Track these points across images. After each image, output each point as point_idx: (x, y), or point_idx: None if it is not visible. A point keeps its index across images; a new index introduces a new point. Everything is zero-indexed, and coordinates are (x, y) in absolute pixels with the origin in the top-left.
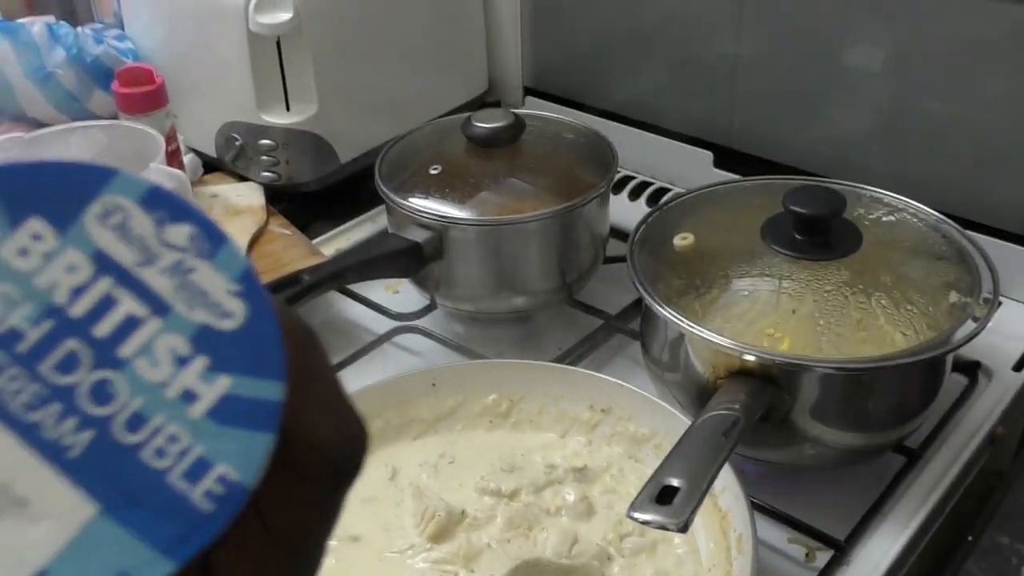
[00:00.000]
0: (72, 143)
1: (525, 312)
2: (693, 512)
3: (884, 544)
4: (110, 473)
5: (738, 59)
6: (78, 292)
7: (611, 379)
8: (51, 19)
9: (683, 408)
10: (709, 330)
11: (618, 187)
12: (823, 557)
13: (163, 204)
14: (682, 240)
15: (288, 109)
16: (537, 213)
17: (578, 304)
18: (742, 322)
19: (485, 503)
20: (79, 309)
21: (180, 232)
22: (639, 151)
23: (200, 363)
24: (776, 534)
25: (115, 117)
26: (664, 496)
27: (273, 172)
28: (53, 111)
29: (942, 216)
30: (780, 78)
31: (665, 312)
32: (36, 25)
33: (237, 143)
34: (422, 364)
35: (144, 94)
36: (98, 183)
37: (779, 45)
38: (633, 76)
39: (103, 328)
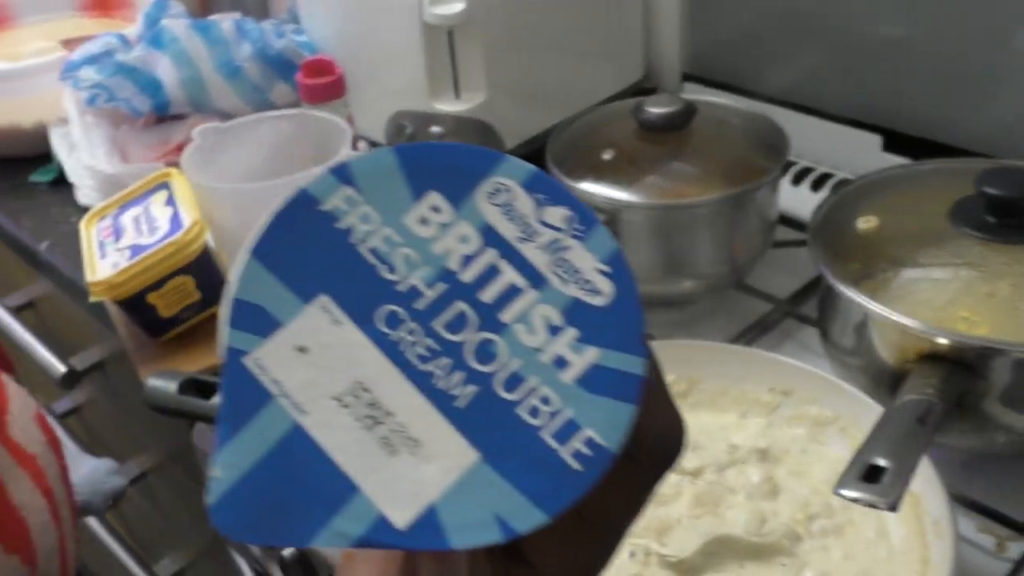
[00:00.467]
0: (263, 131)
1: (693, 296)
2: (902, 491)
3: None
4: (490, 425)
5: (906, 39)
6: (468, 260)
7: (793, 361)
8: (238, 16)
9: (866, 392)
10: (899, 312)
11: (783, 173)
12: (1015, 548)
13: (543, 187)
14: (866, 223)
15: (458, 97)
16: (710, 197)
17: (746, 288)
18: (931, 306)
19: (670, 480)
20: (468, 275)
21: (557, 213)
22: (802, 136)
23: (571, 334)
24: (964, 523)
25: (296, 107)
26: (870, 476)
27: None
28: (240, 103)
29: None
30: (950, 58)
31: (850, 294)
32: (226, 22)
33: (407, 131)
34: None
35: (325, 84)
36: (488, 165)
37: (947, 24)
38: (794, 58)
39: (488, 294)
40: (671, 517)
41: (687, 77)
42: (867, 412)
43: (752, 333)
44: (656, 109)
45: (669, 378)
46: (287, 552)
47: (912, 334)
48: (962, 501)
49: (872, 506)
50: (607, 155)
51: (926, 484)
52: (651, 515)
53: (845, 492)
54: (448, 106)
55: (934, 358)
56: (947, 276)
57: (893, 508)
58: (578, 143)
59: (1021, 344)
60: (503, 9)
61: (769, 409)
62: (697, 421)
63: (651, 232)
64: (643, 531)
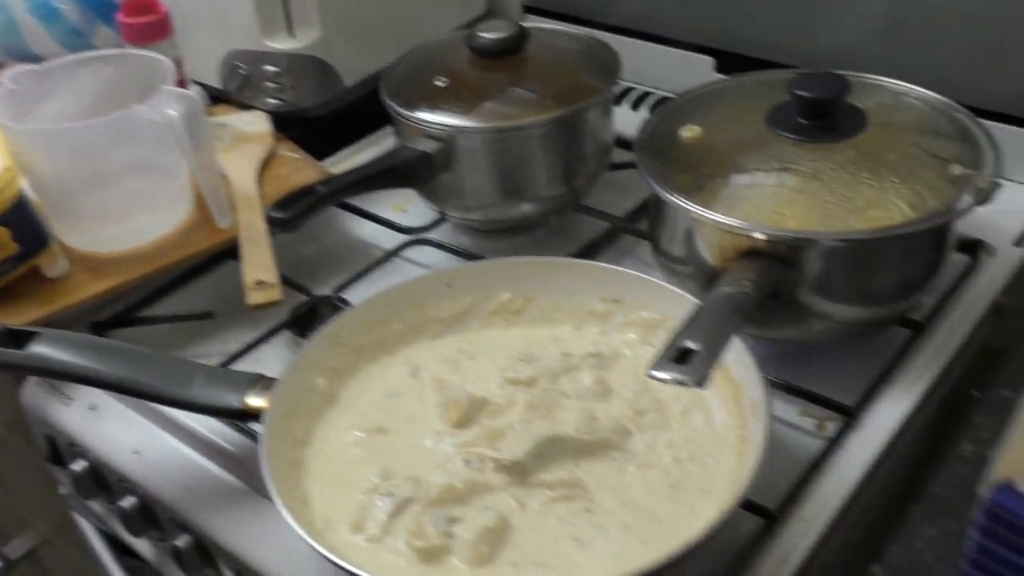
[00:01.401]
0: (83, 76)
1: (533, 219)
2: (710, 371)
3: (892, 409)
4: None
5: None
6: None
7: (622, 269)
8: None
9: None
10: (717, 213)
11: (621, 98)
12: (833, 428)
13: None
14: (689, 132)
15: (291, 34)
16: (542, 118)
17: (584, 209)
18: (750, 206)
19: (505, 391)
20: None
21: None
22: (640, 62)
23: None
24: (786, 408)
25: None
26: (681, 358)
27: (278, 99)
28: (58, 47)
29: (945, 99)
30: None
31: (674, 199)
32: None
33: (242, 72)
34: None
35: (149, 24)
36: None
37: None
38: None
39: None
40: (504, 424)
41: (528, 10)
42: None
43: (590, 252)
44: (488, 35)
45: (503, 296)
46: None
47: (730, 232)
48: (785, 388)
49: (682, 384)
50: (440, 82)
51: (746, 372)
52: (484, 425)
53: (656, 373)
54: (281, 44)
55: (751, 254)
56: (764, 178)
57: (700, 385)
58: (413, 73)
59: (828, 233)
60: None
61: (602, 318)
62: (534, 335)
63: (487, 156)
64: (477, 439)
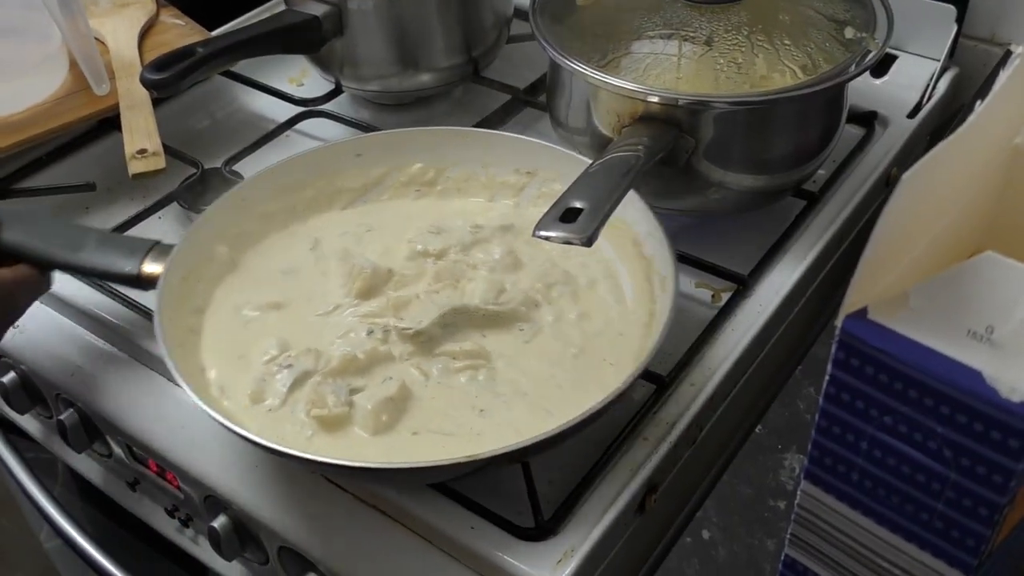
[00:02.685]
0: None
1: (432, 90)
2: (597, 228)
3: (784, 276)
4: None
5: None
6: None
7: (537, 140)
8: None
9: None
10: (612, 77)
11: None
12: (726, 296)
13: None
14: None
15: None
16: None
17: (485, 81)
18: (645, 71)
19: (414, 263)
20: None
21: None
22: None
23: None
24: (685, 280)
25: None
26: (568, 217)
27: None
28: None
29: None
30: None
31: (569, 64)
32: None
33: None
34: None
35: None
36: None
37: None
38: None
39: None
40: (410, 294)
41: None
42: None
43: (491, 123)
44: None
45: (415, 167)
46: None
47: (624, 97)
48: (684, 259)
49: (568, 242)
50: None
51: (657, 247)
52: (389, 295)
53: (542, 232)
54: None
55: (645, 119)
56: (659, 44)
57: (588, 243)
58: None
59: (720, 96)
60: None
61: (516, 190)
62: (446, 207)
63: (380, 21)
64: (381, 310)
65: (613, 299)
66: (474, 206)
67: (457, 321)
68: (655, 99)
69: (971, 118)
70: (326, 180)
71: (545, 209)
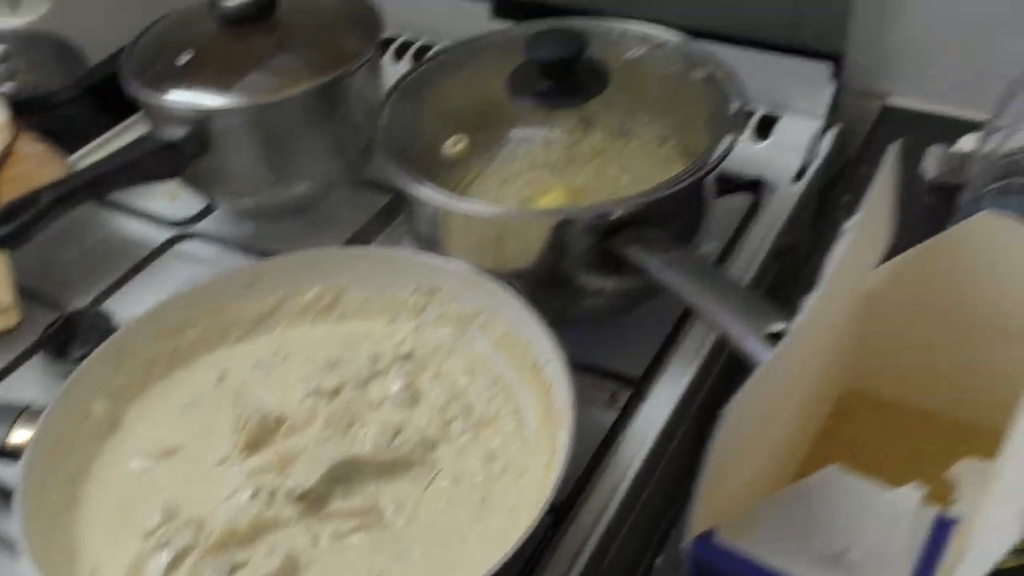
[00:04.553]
0: None
1: (310, 198)
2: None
3: (678, 374)
4: None
5: None
6: None
7: (436, 258)
8: None
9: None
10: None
11: (400, 52)
12: (624, 397)
13: None
14: (455, 145)
15: (15, 10)
16: (300, 89)
17: (364, 182)
18: (503, 185)
19: (307, 404)
20: None
21: None
22: (416, 14)
23: None
24: (581, 382)
25: None
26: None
27: (14, 82)
28: None
29: (689, 39)
30: None
31: (416, 191)
32: None
33: None
34: (209, 271)
35: None
36: None
37: None
38: None
39: None
40: (299, 446)
41: None
42: (505, 304)
43: (374, 227)
44: (232, 2)
45: (311, 292)
46: None
47: (477, 220)
48: (579, 367)
49: None
50: (185, 59)
51: (555, 373)
52: (278, 445)
53: None
54: (6, 19)
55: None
56: (516, 151)
57: None
58: (157, 48)
59: (584, 209)
60: None
61: (417, 311)
62: (344, 332)
63: (248, 137)
64: (268, 464)
65: (516, 430)
66: (375, 330)
67: (348, 473)
68: (515, 219)
69: (787, 339)
70: (215, 315)
71: (448, 330)
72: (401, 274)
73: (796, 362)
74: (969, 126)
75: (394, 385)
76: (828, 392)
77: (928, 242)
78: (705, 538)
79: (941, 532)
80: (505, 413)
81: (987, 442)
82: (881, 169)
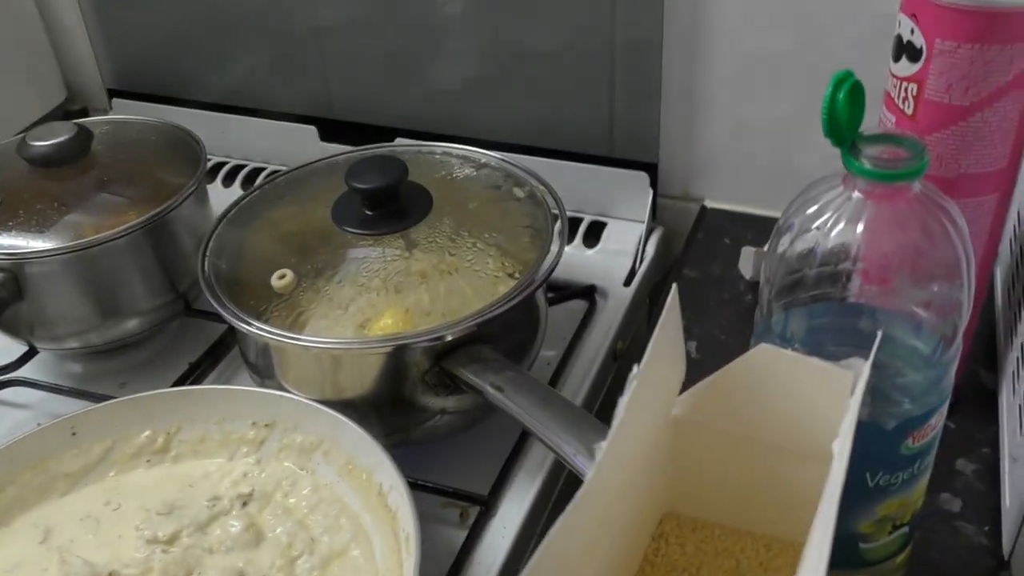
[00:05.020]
0: None
1: (142, 335)
2: None
3: (523, 490)
4: None
5: (322, 28)
6: None
7: (271, 391)
8: None
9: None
10: (292, 333)
11: (229, 178)
12: (473, 513)
13: None
14: (280, 279)
15: None
16: (122, 227)
17: (197, 313)
18: (335, 312)
19: (142, 555)
20: None
21: None
22: (246, 138)
23: None
24: (431, 500)
25: None
26: None
27: None
28: None
29: (509, 159)
30: (367, 41)
31: (242, 327)
32: None
33: None
34: (36, 418)
35: None
36: None
37: (360, 7)
38: (224, 62)
39: None
40: None
41: (115, 93)
42: (345, 431)
43: (212, 357)
44: (42, 142)
45: (142, 436)
46: None
47: (316, 352)
48: (426, 487)
49: None
50: None
51: (400, 498)
52: None
53: None
54: None
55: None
56: (341, 281)
57: None
58: None
59: (416, 334)
60: None
61: (256, 445)
62: (181, 474)
63: (70, 279)
64: None
65: (365, 562)
66: (213, 469)
67: None
68: (346, 347)
69: (591, 473)
70: (35, 469)
71: (290, 462)
72: (237, 409)
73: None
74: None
75: (235, 526)
76: (649, 516)
77: (719, 372)
78: None
79: None
80: (353, 545)
81: (800, 555)
82: (665, 310)
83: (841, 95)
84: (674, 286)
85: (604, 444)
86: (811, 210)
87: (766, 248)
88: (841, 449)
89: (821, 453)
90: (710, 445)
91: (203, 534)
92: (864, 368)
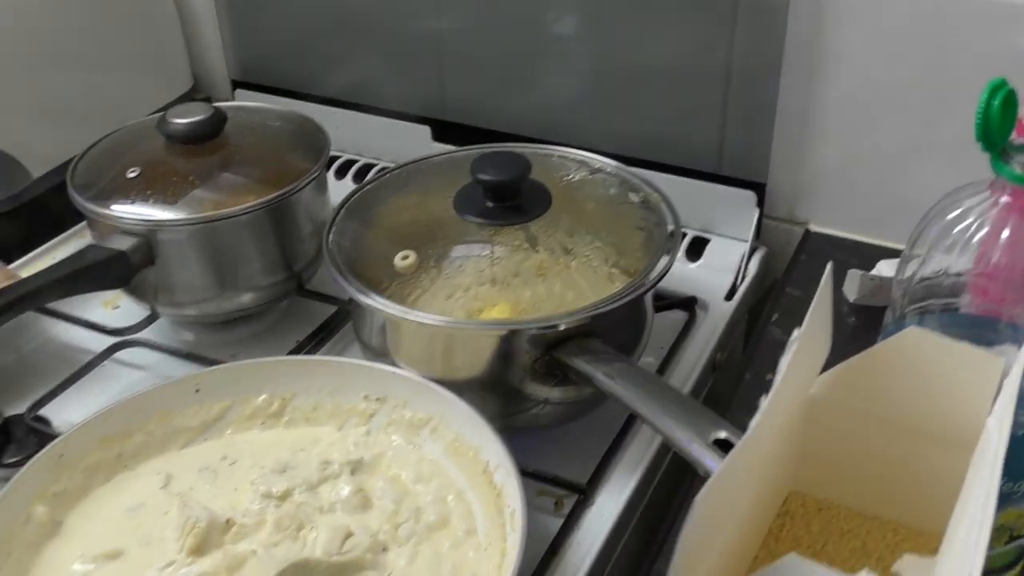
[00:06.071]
0: None
1: (255, 309)
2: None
3: (623, 479)
4: None
5: (441, 33)
6: None
7: (384, 367)
8: None
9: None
10: (411, 310)
11: (342, 171)
12: (569, 503)
13: None
14: (403, 260)
15: None
16: (248, 205)
17: (309, 293)
18: (450, 299)
19: (256, 508)
20: None
21: None
22: (360, 134)
23: None
24: (527, 487)
25: None
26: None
27: None
28: None
29: (624, 166)
30: (485, 48)
31: (364, 299)
32: None
33: None
34: (150, 378)
35: None
36: None
37: (479, 17)
38: (344, 60)
39: None
40: (246, 550)
41: (240, 84)
42: (455, 410)
43: (319, 337)
44: (181, 120)
45: (259, 399)
46: None
47: (432, 330)
48: (525, 474)
49: None
50: (133, 173)
51: (506, 476)
52: (226, 550)
53: None
54: None
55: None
56: (461, 266)
57: None
58: (105, 164)
59: (530, 321)
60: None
61: (366, 418)
62: (292, 439)
63: (195, 249)
64: (214, 569)
65: (466, 534)
66: (323, 436)
67: None
68: (464, 328)
69: (750, 430)
70: (160, 420)
71: (398, 438)
72: (350, 382)
73: (752, 459)
74: (882, 251)
75: (344, 490)
76: (776, 493)
77: (863, 353)
78: None
79: None
80: (456, 517)
81: (928, 542)
82: (820, 287)
83: (996, 101)
84: (829, 265)
85: (764, 402)
86: (952, 215)
87: (874, 272)
88: (999, 423)
89: (963, 439)
90: (845, 426)
91: (313, 494)
92: (1021, 354)
